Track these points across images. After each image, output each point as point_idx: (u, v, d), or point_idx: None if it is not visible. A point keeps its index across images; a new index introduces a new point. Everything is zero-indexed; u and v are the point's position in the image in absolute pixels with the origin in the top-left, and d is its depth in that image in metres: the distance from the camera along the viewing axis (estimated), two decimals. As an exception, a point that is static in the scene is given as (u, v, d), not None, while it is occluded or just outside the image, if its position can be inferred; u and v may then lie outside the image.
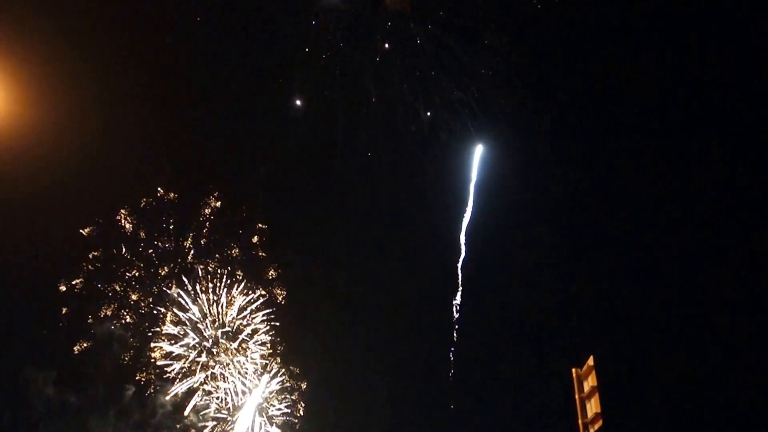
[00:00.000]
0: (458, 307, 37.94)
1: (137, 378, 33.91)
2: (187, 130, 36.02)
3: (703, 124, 33.42)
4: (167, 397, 34.03)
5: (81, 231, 34.53)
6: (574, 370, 19.85)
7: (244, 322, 36.08)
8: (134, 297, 34.90)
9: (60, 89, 31.07)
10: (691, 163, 33.52)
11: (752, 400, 30.01)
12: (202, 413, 34.57)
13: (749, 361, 30.36)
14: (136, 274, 35.17)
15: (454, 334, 37.98)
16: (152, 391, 34.01)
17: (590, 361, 19.19)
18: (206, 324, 35.27)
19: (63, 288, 34.07)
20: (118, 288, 34.85)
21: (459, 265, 38.39)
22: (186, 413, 34.20)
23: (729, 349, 30.81)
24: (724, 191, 32.50)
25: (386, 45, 34.70)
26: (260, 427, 35.45)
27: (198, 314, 35.13)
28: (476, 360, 38.22)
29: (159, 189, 35.82)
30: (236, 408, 35.24)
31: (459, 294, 38.05)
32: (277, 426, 36.02)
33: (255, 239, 37.23)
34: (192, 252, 36.13)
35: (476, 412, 37.70)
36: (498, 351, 37.34)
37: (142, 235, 35.61)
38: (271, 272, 37.42)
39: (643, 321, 33.59)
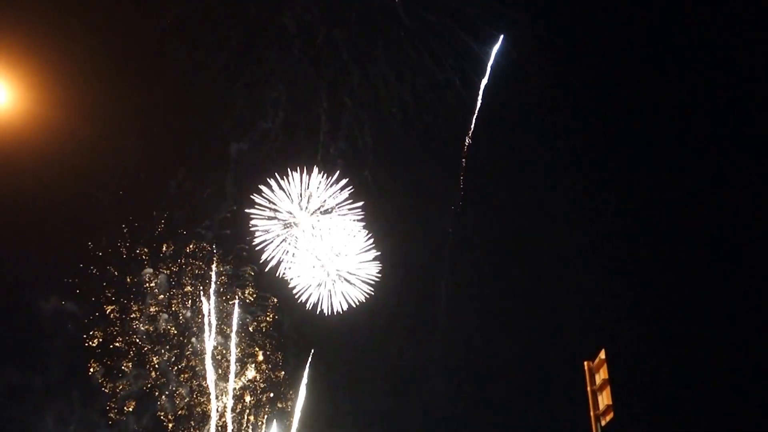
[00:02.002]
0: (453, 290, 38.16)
1: (105, 360, 32.63)
2: (158, 108, 34.97)
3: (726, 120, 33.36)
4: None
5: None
6: (586, 363, 20.09)
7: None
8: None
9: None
10: (711, 157, 33.50)
11: (764, 394, 30.11)
12: None
13: (762, 356, 30.45)
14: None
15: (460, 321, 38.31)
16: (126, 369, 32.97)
17: (602, 354, 19.42)
18: None
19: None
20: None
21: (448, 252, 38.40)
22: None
23: (740, 343, 30.89)
24: (741, 186, 32.51)
25: (368, 23, 34.49)
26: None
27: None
28: (487, 353, 38.58)
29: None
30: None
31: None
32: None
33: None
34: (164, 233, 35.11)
35: (489, 403, 38.03)
36: (511, 344, 37.56)
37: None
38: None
39: (654, 315, 33.73)
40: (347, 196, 34.51)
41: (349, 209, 34.88)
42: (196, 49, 34.73)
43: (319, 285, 35.33)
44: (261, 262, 34.56)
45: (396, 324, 38.24)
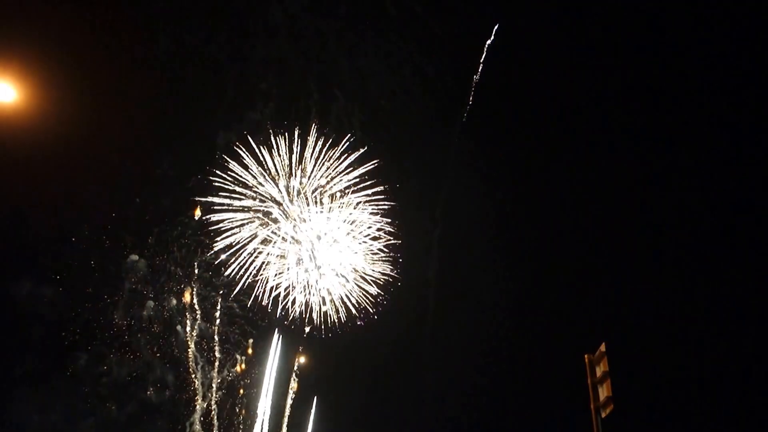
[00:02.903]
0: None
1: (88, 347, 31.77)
2: (150, 99, 34.37)
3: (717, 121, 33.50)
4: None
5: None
6: (586, 356, 20.36)
7: None
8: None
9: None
10: (708, 154, 33.69)
11: (762, 387, 30.38)
12: None
13: (760, 349, 30.70)
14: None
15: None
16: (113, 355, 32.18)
17: (602, 348, 19.70)
18: None
19: None
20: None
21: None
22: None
23: (739, 336, 31.15)
24: (739, 183, 32.72)
25: (356, 15, 34.32)
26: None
27: None
28: (488, 346, 38.79)
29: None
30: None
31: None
32: None
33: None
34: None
35: (490, 396, 38.32)
36: (512, 338, 37.82)
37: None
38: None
39: (653, 309, 34.01)
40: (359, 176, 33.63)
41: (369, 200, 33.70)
42: (187, 39, 34.65)
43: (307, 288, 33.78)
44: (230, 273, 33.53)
45: (391, 315, 38.35)
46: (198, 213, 33.92)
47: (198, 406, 33.76)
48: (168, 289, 34.13)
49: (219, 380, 34.51)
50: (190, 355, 33.88)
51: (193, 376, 33.96)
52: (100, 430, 31.91)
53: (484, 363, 38.65)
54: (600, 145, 36.59)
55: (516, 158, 38.47)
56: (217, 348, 34.56)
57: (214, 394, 34.28)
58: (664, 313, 33.70)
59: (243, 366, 35.41)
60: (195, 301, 34.36)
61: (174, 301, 34.07)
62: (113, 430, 32.08)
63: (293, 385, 36.75)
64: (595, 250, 36.67)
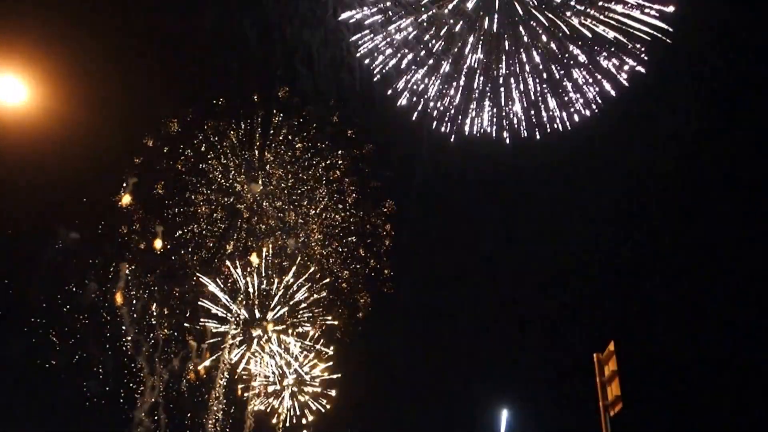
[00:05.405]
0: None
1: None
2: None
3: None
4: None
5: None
6: (595, 355, 20.34)
7: None
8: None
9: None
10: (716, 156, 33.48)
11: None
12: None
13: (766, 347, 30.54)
14: None
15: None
16: None
17: (611, 347, 19.68)
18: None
19: None
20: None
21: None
22: None
23: (747, 335, 31.01)
24: (746, 183, 32.54)
25: None
26: None
27: None
28: (500, 342, 38.74)
29: None
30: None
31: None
32: None
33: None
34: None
35: (499, 393, 38.26)
36: (524, 336, 37.77)
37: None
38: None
39: (662, 308, 33.87)
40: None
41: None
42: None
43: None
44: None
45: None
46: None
47: (145, 402, 33.14)
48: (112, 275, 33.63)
49: (167, 378, 34.06)
50: (131, 344, 33.37)
51: (139, 371, 33.40)
52: (38, 420, 30.99)
53: (493, 365, 38.63)
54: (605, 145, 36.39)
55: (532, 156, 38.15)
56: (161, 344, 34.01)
57: (160, 389, 33.68)
58: (673, 311, 33.60)
59: (201, 370, 34.69)
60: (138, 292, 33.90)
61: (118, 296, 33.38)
62: (54, 422, 31.15)
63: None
64: (603, 248, 36.55)
